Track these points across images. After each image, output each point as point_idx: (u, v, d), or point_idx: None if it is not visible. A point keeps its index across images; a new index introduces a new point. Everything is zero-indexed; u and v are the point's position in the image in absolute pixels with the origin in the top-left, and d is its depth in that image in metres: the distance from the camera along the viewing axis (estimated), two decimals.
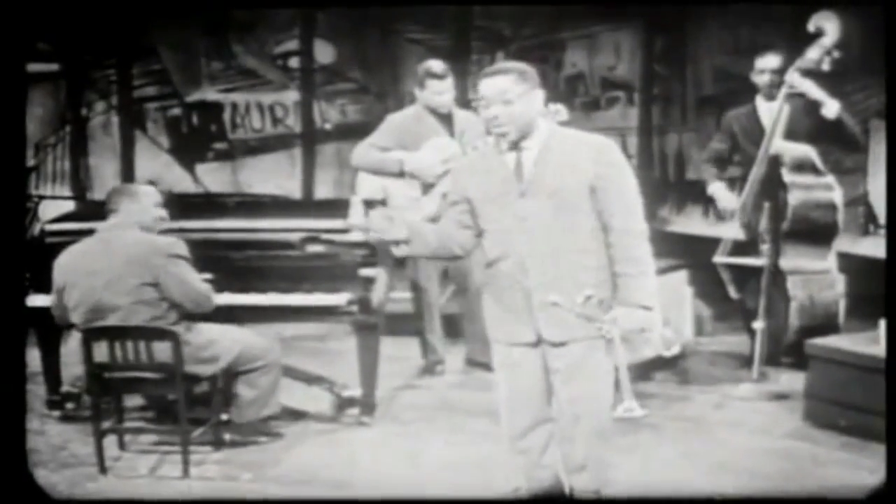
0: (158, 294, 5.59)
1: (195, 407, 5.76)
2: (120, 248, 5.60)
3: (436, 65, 7.01)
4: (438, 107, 6.96)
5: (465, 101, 7.81)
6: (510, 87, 4.48)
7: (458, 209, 4.69)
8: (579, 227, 4.52)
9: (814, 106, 6.85)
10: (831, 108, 6.82)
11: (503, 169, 4.57)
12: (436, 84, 6.92)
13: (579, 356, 4.56)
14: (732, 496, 5.27)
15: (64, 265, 5.70)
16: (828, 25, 6.70)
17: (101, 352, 5.53)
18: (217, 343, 5.74)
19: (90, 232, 5.75)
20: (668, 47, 9.88)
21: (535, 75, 4.58)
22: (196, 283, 5.69)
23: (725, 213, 7.15)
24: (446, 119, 7.00)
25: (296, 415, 6.31)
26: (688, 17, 9.61)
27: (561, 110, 6.68)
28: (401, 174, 6.92)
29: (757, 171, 6.91)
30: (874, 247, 7.51)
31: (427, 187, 6.93)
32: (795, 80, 6.80)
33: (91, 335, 5.53)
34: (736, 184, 7.20)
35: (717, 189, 7.17)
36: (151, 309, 5.57)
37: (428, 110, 6.99)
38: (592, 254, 4.54)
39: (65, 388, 6.39)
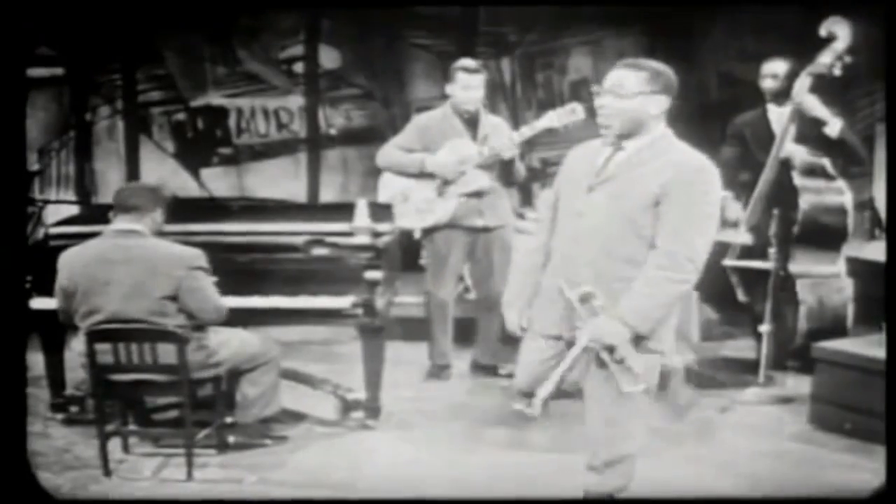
0: (177, 305, 5.54)
1: (199, 410, 5.74)
2: (139, 258, 5.50)
3: (469, 60, 7.05)
4: (465, 102, 6.93)
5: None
6: (630, 84, 4.38)
7: (553, 191, 4.67)
8: (636, 237, 4.38)
9: (818, 127, 6.85)
10: (834, 127, 6.82)
11: (592, 161, 4.48)
12: (466, 77, 6.91)
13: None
14: (737, 498, 5.26)
15: (74, 268, 5.57)
16: (840, 30, 6.68)
17: (105, 354, 5.50)
18: (222, 345, 5.72)
19: (94, 235, 5.70)
20: (673, 53, 9.86)
21: (671, 82, 4.45)
22: (214, 295, 5.64)
23: (729, 223, 7.13)
24: (472, 122, 6.99)
25: (300, 418, 6.30)
26: (692, 22, 9.61)
27: (577, 109, 6.70)
28: (422, 174, 6.92)
29: (767, 175, 6.90)
30: (880, 251, 7.48)
31: (443, 189, 6.93)
32: (801, 96, 6.78)
33: (95, 337, 5.50)
34: (744, 189, 7.17)
35: (724, 199, 7.13)
36: (169, 320, 5.51)
37: (455, 112, 6.98)
38: (642, 267, 4.38)
39: (69, 391, 6.38)
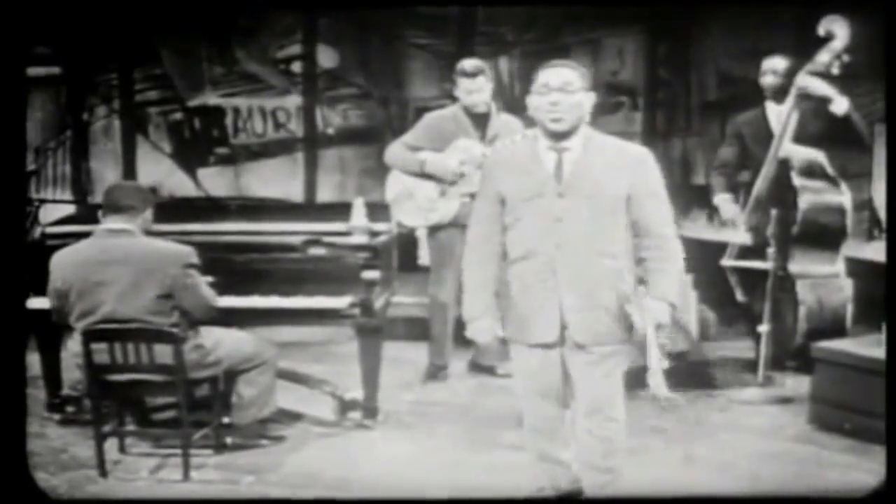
0: (171, 304, 5.53)
1: (195, 410, 5.72)
2: (132, 257, 5.50)
3: (468, 63, 6.99)
4: (471, 106, 6.92)
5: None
6: (574, 80, 4.56)
7: (491, 204, 4.69)
8: (614, 230, 4.60)
9: (823, 108, 6.82)
10: (841, 104, 6.79)
11: (541, 168, 4.60)
12: (466, 82, 6.89)
13: (600, 359, 4.61)
14: (737, 498, 5.25)
15: (67, 269, 5.56)
16: (838, 29, 6.67)
17: (101, 354, 5.49)
18: (218, 345, 5.70)
19: (91, 235, 5.70)
20: (672, 52, 9.86)
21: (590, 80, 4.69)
22: (207, 292, 5.65)
23: (728, 224, 7.12)
24: (481, 120, 6.97)
25: (297, 418, 6.29)
26: (692, 21, 9.60)
27: None
28: (422, 174, 6.90)
29: (765, 175, 6.89)
30: (879, 251, 7.47)
31: (446, 189, 6.90)
32: (805, 79, 6.77)
33: (91, 337, 5.48)
34: (742, 189, 7.16)
35: (723, 201, 7.13)
36: (164, 318, 5.51)
37: (464, 111, 6.96)
38: (622, 258, 4.61)
39: (65, 391, 6.37)
